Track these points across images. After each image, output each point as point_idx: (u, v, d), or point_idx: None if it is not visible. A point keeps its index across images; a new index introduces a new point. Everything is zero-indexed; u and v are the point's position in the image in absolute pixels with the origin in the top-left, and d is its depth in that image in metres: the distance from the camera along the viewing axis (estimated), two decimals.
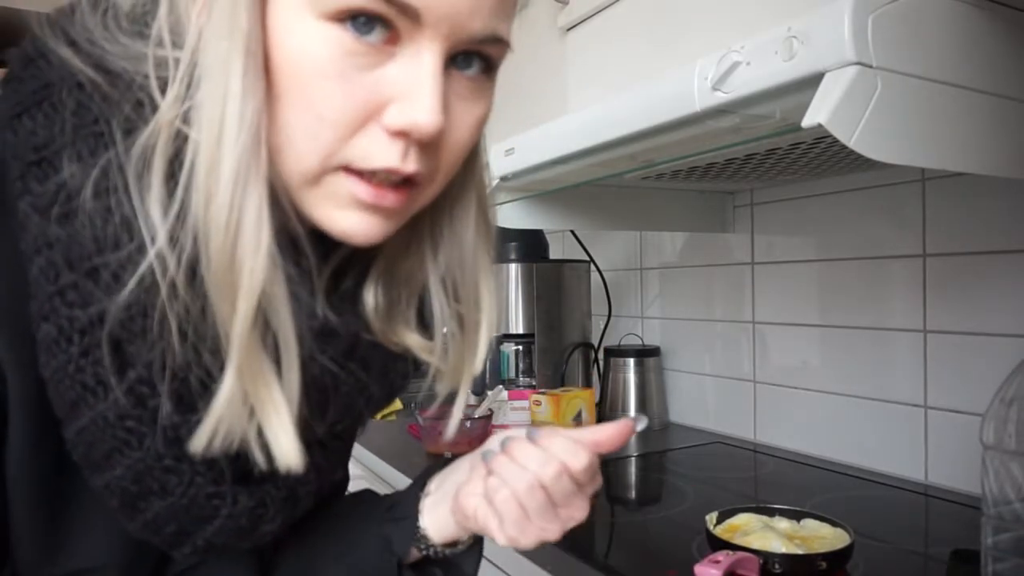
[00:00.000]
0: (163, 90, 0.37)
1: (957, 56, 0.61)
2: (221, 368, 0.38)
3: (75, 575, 0.43)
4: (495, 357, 1.52)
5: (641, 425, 0.53)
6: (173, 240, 0.36)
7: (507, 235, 1.57)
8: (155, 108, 0.37)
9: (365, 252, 0.45)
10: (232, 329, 0.36)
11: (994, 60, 0.64)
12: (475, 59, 0.40)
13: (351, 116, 0.37)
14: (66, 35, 0.38)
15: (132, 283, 0.36)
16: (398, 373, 0.49)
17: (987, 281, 0.97)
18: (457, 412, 0.51)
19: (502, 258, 1.58)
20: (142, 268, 0.36)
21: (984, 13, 0.63)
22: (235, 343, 0.36)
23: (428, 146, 0.39)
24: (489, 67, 0.41)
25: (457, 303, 0.48)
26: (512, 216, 1.19)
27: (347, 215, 0.39)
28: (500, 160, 1.04)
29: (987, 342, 0.97)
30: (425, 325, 0.49)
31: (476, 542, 0.56)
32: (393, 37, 0.36)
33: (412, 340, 0.48)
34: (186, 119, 0.36)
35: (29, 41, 0.40)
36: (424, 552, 0.53)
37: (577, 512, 0.49)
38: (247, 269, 0.36)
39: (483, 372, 1.49)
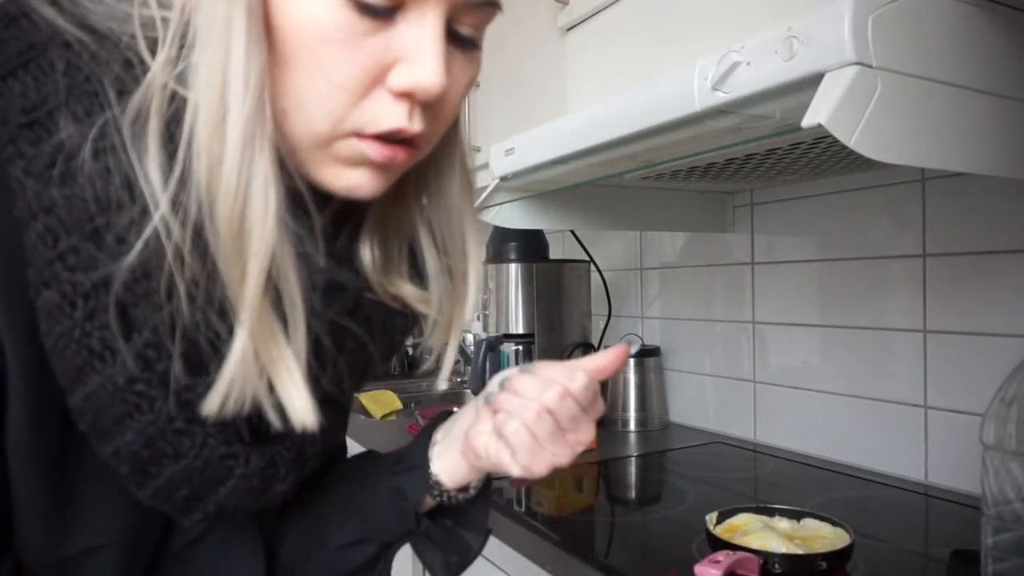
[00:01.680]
0: (152, 50, 0.37)
1: (957, 56, 0.61)
2: (229, 330, 0.38)
3: (80, 556, 0.43)
4: (495, 357, 1.52)
5: (634, 348, 0.56)
6: (176, 204, 0.36)
7: (507, 235, 1.57)
8: (145, 69, 0.36)
9: (355, 208, 0.46)
10: (242, 292, 0.37)
11: (994, 60, 0.64)
12: (469, 23, 0.41)
13: (359, 80, 0.38)
14: None
15: (138, 246, 0.35)
16: (396, 328, 0.50)
17: (987, 281, 0.97)
18: (448, 361, 0.52)
19: (502, 258, 1.58)
20: (147, 232, 0.35)
21: (984, 13, 0.63)
22: (246, 306, 0.37)
23: (429, 106, 0.40)
24: (480, 31, 0.43)
25: (446, 256, 0.50)
26: (512, 216, 1.19)
27: (354, 173, 0.41)
28: (500, 160, 1.04)
29: (987, 342, 0.97)
30: (418, 277, 0.50)
31: (484, 488, 0.56)
32: (398, 3, 0.37)
33: (408, 291, 0.49)
34: (180, 80, 0.36)
35: (9, 2, 0.39)
36: (437, 499, 0.54)
37: (583, 435, 0.51)
38: (256, 233, 0.36)
39: (483, 371, 1.50)
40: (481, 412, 0.52)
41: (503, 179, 1.07)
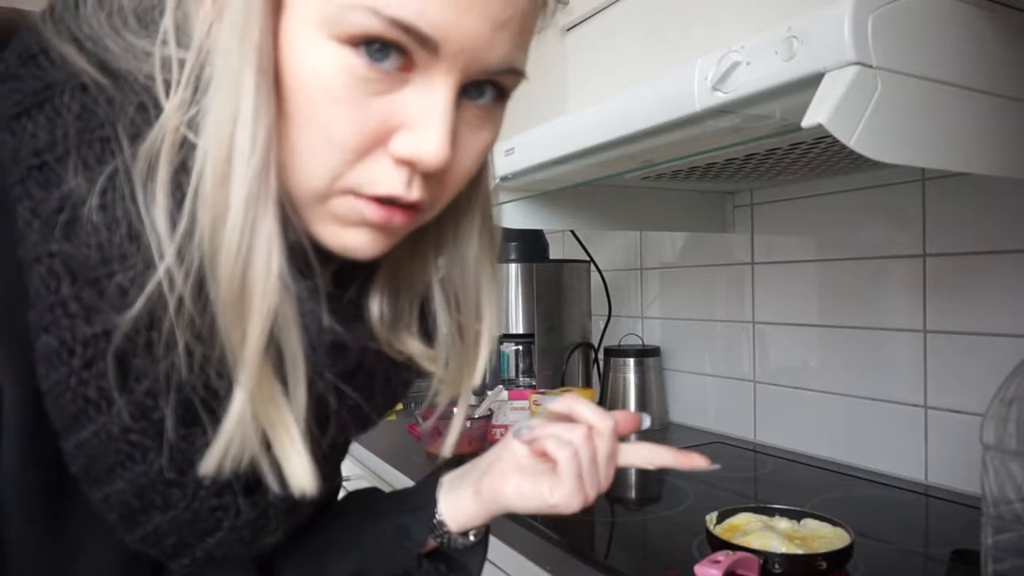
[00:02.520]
0: (168, 93, 0.36)
1: (957, 56, 0.61)
2: (228, 388, 0.37)
3: None
4: (495, 357, 1.52)
5: (646, 423, 0.59)
6: (181, 256, 0.35)
7: (507, 235, 1.57)
8: (159, 112, 0.36)
9: (365, 261, 0.45)
10: (242, 354, 0.36)
11: (994, 60, 0.64)
12: (488, 88, 0.39)
13: (359, 141, 0.36)
14: (70, 32, 0.37)
15: (141, 300, 0.35)
16: (400, 381, 0.49)
17: (987, 281, 0.97)
18: (456, 425, 0.51)
19: (502, 258, 1.58)
20: (151, 286, 0.35)
21: (984, 13, 0.63)
22: (246, 368, 0.36)
23: (433, 175, 0.38)
24: (501, 95, 0.40)
25: (459, 314, 0.48)
26: (512, 216, 1.19)
27: (351, 232, 0.39)
28: (500, 160, 1.04)
29: (987, 342, 0.97)
30: (426, 334, 0.48)
31: (483, 539, 0.56)
32: (408, 65, 0.36)
33: (415, 348, 0.47)
34: (191, 125, 0.35)
35: (29, 35, 0.38)
36: (439, 541, 0.54)
37: (606, 480, 0.54)
38: (258, 294, 0.35)
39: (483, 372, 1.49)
40: (507, 450, 0.54)
41: (503, 179, 1.07)
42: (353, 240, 0.39)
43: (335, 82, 0.35)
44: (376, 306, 0.46)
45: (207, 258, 0.35)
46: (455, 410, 0.50)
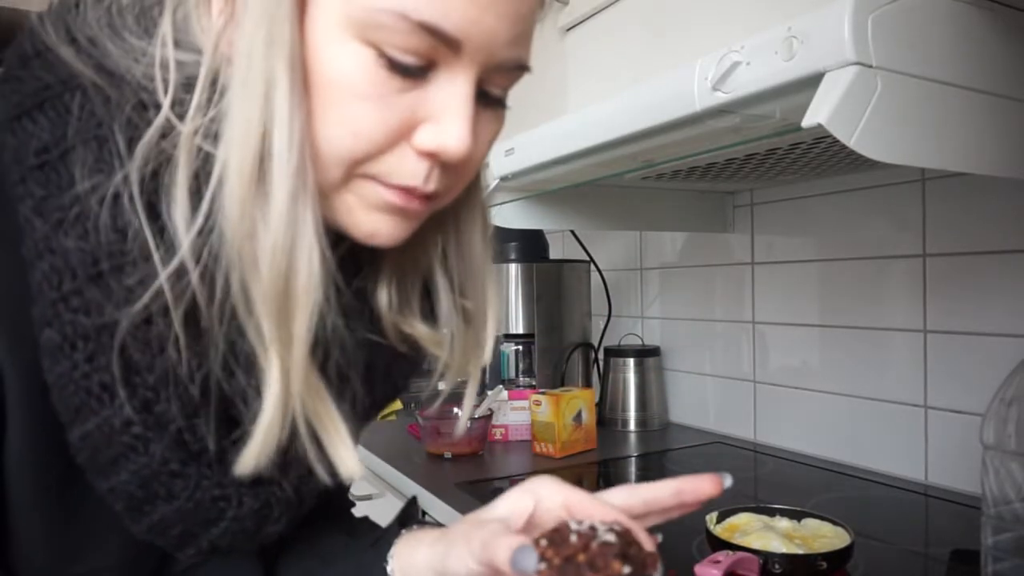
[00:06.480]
0: (175, 95, 0.36)
1: (957, 56, 0.61)
2: (248, 382, 0.38)
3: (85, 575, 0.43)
4: (495, 357, 1.52)
5: (728, 481, 0.46)
6: (197, 257, 0.36)
7: (507, 235, 1.57)
8: (158, 111, 0.36)
9: (368, 250, 0.46)
10: (290, 350, 0.37)
11: (994, 60, 0.64)
12: (499, 84, 0.41)
13: (384, 136, 0.38)
14: (68, 32, 0.38)
15: (147, 297, 0.35)
16: (401, 374, 0.50)
17: (987, 281, 0.97)
18: (467, 407, 0.52)
19: (502, 258, 1.58)
20: (156, 284, 0.35)
21: (984, 13, 0.63)
22: (294, 363, 0.37)
23: (451, 165, 0.40)
24: (508, 90, 0.43)
25: (463, 298, 0.49)
26: (512, 216, 1.19)
27: (375, 217, 0.40)
28: (500, 160, 1.04)
29: (987, 342, 0.97)
30: (430, 318, 0.49)
31: None
32: (431, 63, 0.37)
33: (422, 331, 0.49)
34: (209, 128, 0.36)
35: (27, 37, 0.39)
36: None
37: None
38: (302, 290, 0.36)
39: (483, 371, 1.49)
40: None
41: (503, 179, 1.07)
42: (377, 225, 0.41)
43: (362, 80, 0.36)
44: (384, 293, 0.47)
45: (237, 256, 0.36)
46: (466, 398, 0.51)
